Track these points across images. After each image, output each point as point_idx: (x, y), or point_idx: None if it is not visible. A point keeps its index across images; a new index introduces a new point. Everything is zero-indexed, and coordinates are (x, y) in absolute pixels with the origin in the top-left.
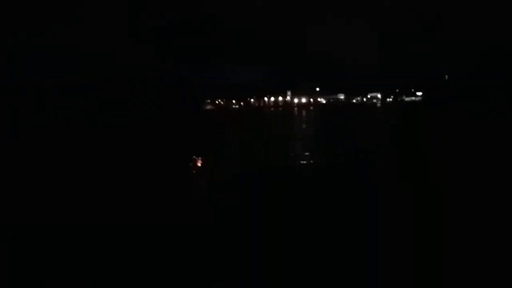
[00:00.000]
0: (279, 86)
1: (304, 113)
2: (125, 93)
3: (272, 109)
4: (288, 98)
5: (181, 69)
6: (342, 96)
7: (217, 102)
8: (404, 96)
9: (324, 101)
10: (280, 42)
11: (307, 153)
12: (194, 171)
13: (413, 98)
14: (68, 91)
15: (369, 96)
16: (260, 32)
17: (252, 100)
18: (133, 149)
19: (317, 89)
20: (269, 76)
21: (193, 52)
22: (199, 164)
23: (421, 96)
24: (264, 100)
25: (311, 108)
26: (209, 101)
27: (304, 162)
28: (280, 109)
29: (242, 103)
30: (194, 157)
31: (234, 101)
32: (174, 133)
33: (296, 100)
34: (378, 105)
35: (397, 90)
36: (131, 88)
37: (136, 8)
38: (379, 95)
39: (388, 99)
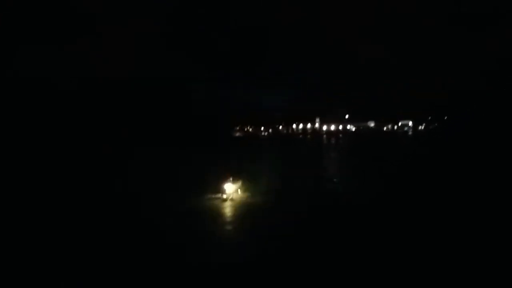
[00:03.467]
0: (307, 112)
1: (333, 141)
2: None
3: (300, 136)
4: (317, 125)
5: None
6: (372, 124)
7: (245, 129)
8: (435, 123)
9: (353, 129)
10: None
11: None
12: (222, 196)
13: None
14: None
15: (400, 124)
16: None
17: (280, 127)
18: (161, 173)
19: (346, 116)
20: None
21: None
22: (226, 189)
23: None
24: (293, 127)
25: (340, 135)
26: (237, 128)
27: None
28: (308, 136)
29: (270, 130)
30: (222, 182)
31: (262, 128)
32: (203, 159)
33: (325, 127)
34: (410, 133)
35: (429, 118)
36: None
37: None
38: (410, 123)
39: (420, 127)
